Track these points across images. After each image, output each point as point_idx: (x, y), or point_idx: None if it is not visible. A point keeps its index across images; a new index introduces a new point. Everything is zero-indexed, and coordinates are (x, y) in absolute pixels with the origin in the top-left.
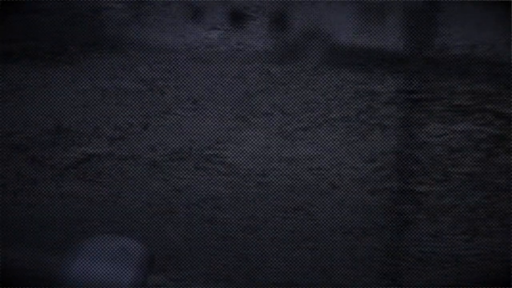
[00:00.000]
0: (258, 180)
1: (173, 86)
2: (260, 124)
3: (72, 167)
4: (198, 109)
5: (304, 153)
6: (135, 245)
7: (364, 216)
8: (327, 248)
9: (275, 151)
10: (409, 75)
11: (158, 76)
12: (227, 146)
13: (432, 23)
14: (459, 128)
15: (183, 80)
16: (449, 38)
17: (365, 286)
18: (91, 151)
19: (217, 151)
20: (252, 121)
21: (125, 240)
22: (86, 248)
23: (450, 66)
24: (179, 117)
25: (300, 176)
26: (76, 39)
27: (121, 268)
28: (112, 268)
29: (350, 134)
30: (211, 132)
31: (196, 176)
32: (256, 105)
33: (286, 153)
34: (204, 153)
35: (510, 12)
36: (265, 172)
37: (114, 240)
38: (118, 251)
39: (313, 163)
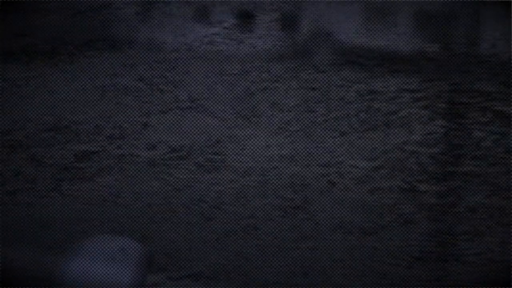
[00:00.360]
0: (258, 179)
1: (173, 85)
2: (260, 123)
3: (70, 165)
4: (198, 108)
5: (304, 152)
6: (133, 245)
7: (363, 215)
8: (328, 247)
9: (275, 150)
10: (410, 74)
11: (157, 74)
12: (227, 144)
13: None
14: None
15: (183, 78)
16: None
17: (365, 286)
18: (90, 149)
19: (217, 149)
20: (252, 119)
21: (124, 239)
22: (84, 248)
23: (451, 64)
24: (178, 115)
25: (300, 175)
26: (75, 38)
27: (120, 268)
28: (110, 268)
29: (351, 132)
30: (211, 131)
31: (196, 175)
32: (256, 104)
33: (286, 151)
34: (204, 151)
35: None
36: (265, 171)
37: (112, 240)
38: (116, 251)
39: (314, 161)
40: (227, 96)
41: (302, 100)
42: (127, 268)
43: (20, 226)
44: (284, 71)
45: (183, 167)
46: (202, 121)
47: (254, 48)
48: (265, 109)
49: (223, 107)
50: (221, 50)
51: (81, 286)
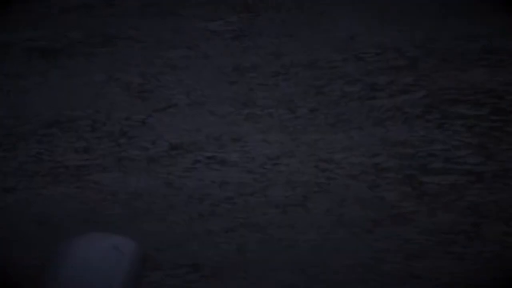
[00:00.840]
0: (257, 177)
1: (172, 80)
2: (260, 119)
3: (69, 162)
4: (197, 104)
5: (304, 149)
6: (127, 243)
7: (364, 211)
8: (326, 245)
9: (275, 146)
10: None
11: (157, 70)
12: (226, 142)
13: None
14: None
15: (182, 74)
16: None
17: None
18: (90, 146)
19: (217, 147)
20: (252, 116)
21: (117, 237)
22: (76, 246)
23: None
24: (177, 112)
25: (300, 171)
26: (76, 32)
27: (113, 267)
28: (103, 267)
29: (352, 129)
30: (211, 127)
31: (195, 173)
32: (256, 100)
33: (286, 148)
34: (203, 148)
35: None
36: (265, 167)
37: (105, 238)
38: (109, 249)
39: (313, 158)
40: (227, 91)
41: (302, 96)
42: (121, 267)
43: (17, 224)
44: (283, 67)
45: (182, 164)
46: (201, 117)
47: (255, 44)
48: (266, 106)
49: (224, 103)
50: (221, 45)
51: (72, 286)
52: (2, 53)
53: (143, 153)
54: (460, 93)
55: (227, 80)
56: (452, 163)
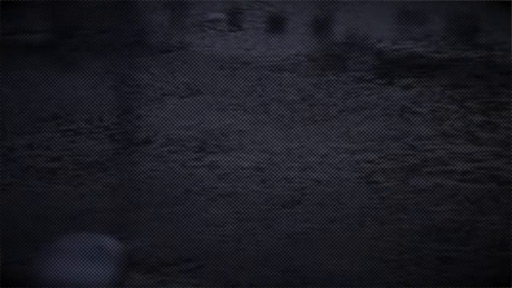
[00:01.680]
0: (256, 173)
1: (169, 74)
2: (259, 116)
3: (66, 158)
4: (195, 97)
5: (301, 143)
6: (111, 243)
7: (361, 207)
8: (324, 241)
9: (275, 143)
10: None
11: (155, 64)
12: (224, 136)
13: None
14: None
15: (182, 72)
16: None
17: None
18: (87, 141)
19: (217, 142)
20: (251, 112)
21: (102, 237)
22: (62, 246)
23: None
24: (177, 108)
25: (298, 167)
26: (73, 27)
27: (98, 266)
28: (88, 267)
29: (349, 124)
30: (208, 121)
31: (192, 167)
32: (256, 97)
33: (285, 146)
34: (200, 142)
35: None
36: (264, 164)
37: (90, 238)
38: (94, 249)
39: (310, 153)
40: (228, 89)
41: (300, 91)
42: (105, 266)
43: (13, 221)
44: (282, 62)
45: (180, 159)
46: (201, 113)
47: (256, 39)
48: (265, 102)
49: (223, 100)
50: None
51: (58, 285)
52: (5, 52)
53: (140, 148)
54: (457, 89)
55: (225, 73)
56: (449, 159)
